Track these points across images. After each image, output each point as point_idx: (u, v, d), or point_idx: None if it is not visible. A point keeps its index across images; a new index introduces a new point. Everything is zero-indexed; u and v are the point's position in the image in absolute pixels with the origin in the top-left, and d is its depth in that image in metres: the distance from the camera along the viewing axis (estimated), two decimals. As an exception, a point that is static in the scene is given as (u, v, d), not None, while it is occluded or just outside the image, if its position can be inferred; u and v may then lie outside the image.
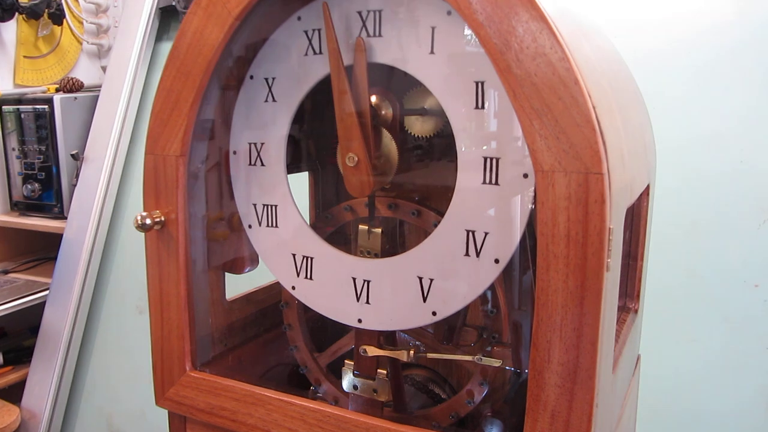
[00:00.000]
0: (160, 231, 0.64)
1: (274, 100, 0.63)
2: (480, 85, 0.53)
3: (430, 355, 0.64)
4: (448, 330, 0.61)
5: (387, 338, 0.65)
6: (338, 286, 0.63)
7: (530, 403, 0.50)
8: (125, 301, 1.51)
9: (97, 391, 1.59)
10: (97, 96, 1.58)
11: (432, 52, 0.55)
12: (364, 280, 0.61)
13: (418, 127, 0.63)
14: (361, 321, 0.62)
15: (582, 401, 0.48)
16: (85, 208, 1.52)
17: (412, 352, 0.63)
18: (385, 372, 0.66)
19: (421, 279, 0.59)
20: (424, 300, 0.59)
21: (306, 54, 0.61)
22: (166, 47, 1.41)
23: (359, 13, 0.58)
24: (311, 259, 0.64)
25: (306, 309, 0.67)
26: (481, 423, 0.65)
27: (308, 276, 0.64)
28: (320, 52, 0.60)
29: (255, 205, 0.66)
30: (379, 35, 0.57)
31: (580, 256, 0.46)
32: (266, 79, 0.63)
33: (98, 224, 1.51)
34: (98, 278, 1.54)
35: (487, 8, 0.47)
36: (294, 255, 0.65)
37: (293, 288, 0.65)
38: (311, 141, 0.75)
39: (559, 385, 0.48)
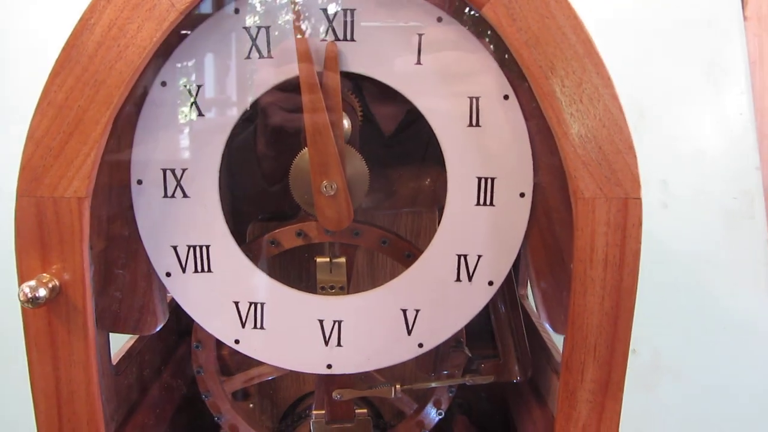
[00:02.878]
0: (52, 301, 0.46)
1: (200, 114, 0.50)
2: (475, 101, 0.50)
3: (418, 386, 0.59)
4: (437, 357, 0.57)
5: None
6: (300, 332, 0.54)
7: (561, 422, 0.50)
8: None
9: None
10: None
11: (419, 62, 0.49)
12: (334, 321, 0.54)
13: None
14: (331, 366, 0.55)
15: (611, 411, 0.50)
16: None
17: (398, 386, 0.58)
18: (365, 411, 0.59)
19: (405, 311, 0.54)
20: (409, 333, 0.54)
21: (248, 56, 0.49)
22: None
23: (324, 11, 0.48)
24: (261, 305, 0.53)
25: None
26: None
27: (258, 325, 0.53)
28: (268, 56, 0.49)
29: (176, 247, 0.52)
30: (351, 39, 0.49)
31: (616, 278, 0.47)
32: (188, 88, 0.49)
33: None
34: None
35: (533, 28, 0.43)
36: (237, 303, 0.53)
37: (236, 342, 0.54)
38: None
39: (591, 400, 0.49)
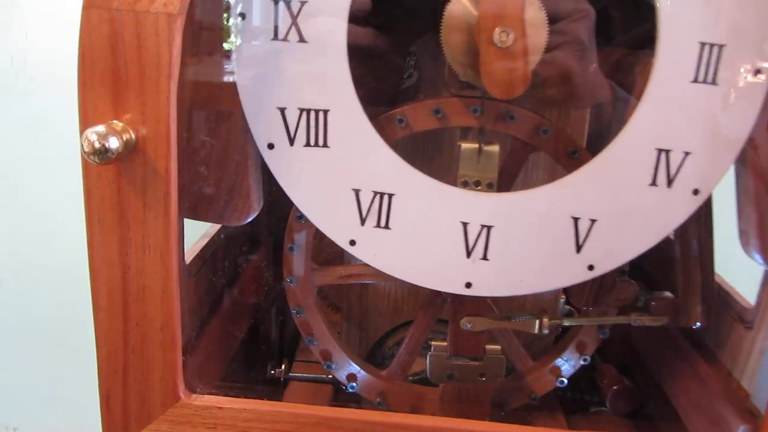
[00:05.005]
0: (124, 160, 0.34)
1: None
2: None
3: (571, 321, 0.46)
4: (599, 287, 0.44)
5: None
6: (436, 237, 0.41)
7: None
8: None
9: None
10: None
11: None
12: (482, 226, 0.41)
13: None
14: (471, 285, 0.42)
15: None
16: None
17: (546, 320, 0.45)
18: (499, 347, 0.47)
19: (576, 220, 0.40)
20: (578, 250, 0.41)
21: None
22: None
23: None
24: (390, 197, 0.40)
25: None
26: (606, 398, 0.51)
27: (382, 223, 0.41)
28: None
29: (284, 110, 0.39)
30: None
31: None
32: None
33: None
34: None
35: None
36: (358, 192, 0.40)
37: (352, 243, 0.41)
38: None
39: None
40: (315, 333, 0.49)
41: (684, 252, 0.45)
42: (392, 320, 0.57)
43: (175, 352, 0.37)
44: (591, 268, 0.41)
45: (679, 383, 0.51)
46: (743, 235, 0.42)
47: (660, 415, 0.54)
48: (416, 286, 0.46)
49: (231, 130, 0.40)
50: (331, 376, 0.56)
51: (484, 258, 0.41)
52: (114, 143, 0.32)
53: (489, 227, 0.41)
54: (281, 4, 0.37)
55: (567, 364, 0.49)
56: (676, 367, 0.52)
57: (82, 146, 0.32)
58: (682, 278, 0.46)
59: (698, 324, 0.46)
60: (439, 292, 0.45)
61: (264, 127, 0.39)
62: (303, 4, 0.37)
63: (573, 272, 0.41)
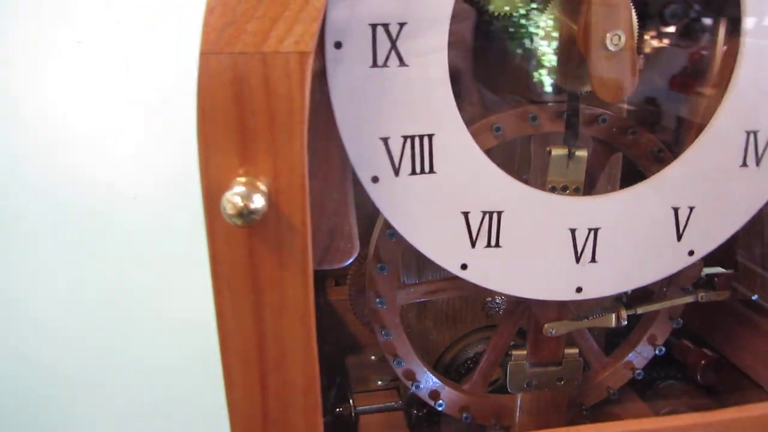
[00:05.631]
0: (256, 221, 0.30)
1: (428, -62, 0.34)
2: None
3: (645, 308, 0.47)
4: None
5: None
6: (545, 247, 0.40)
7: None
8: None
9: None
10: None
11: None
12: (589, 230, 0.40)
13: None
14: (582, 290, 0.42)
15: None
16: None
17: (623, 312, 0.46)
18: (576, 351, 0.47)
19: (677, 210, 0.41)
20: (679, 238, 0.42)
21: None
22: None
23: None
24: (499, 215, 0.39)
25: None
26: (696, 373, 0.52)
27: (492, 242, 0.39)
28: None
29: (387, 140, 0.36)
30: None
31: None
32: None
33: None
34: None
35: None
36: (467, 214, 0.39)
37: (464, 267, 0.40)
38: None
39: None
40: (400, 354, 0.47)
41: (744, 227, 0.47)
42: (452, 332, 0.56)
43: (317, 415, 0.34)
44: (691, 253, 0.42)
45: (743, 346, 0.53)
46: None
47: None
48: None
49: (329, 167, 0.37)
50: (399, 402, 0.55)
51: (593, 260, 0.41)
52: (259, 202, 0.29)
53: (596, 230, 0.40)
54: (379, 29, 0.34)
55: (640, 356, 0.50)
56: (736, 333, 0.54)
57: (224, 210, 0.28)
58: (743, 252, 0.48)
59: (756, 296, 0.48)
60: (521, 300, 0.45)
61: (367, 159, 0.37)
62: (402, 26, 0.35)
63: (676, 260, 0.42)
